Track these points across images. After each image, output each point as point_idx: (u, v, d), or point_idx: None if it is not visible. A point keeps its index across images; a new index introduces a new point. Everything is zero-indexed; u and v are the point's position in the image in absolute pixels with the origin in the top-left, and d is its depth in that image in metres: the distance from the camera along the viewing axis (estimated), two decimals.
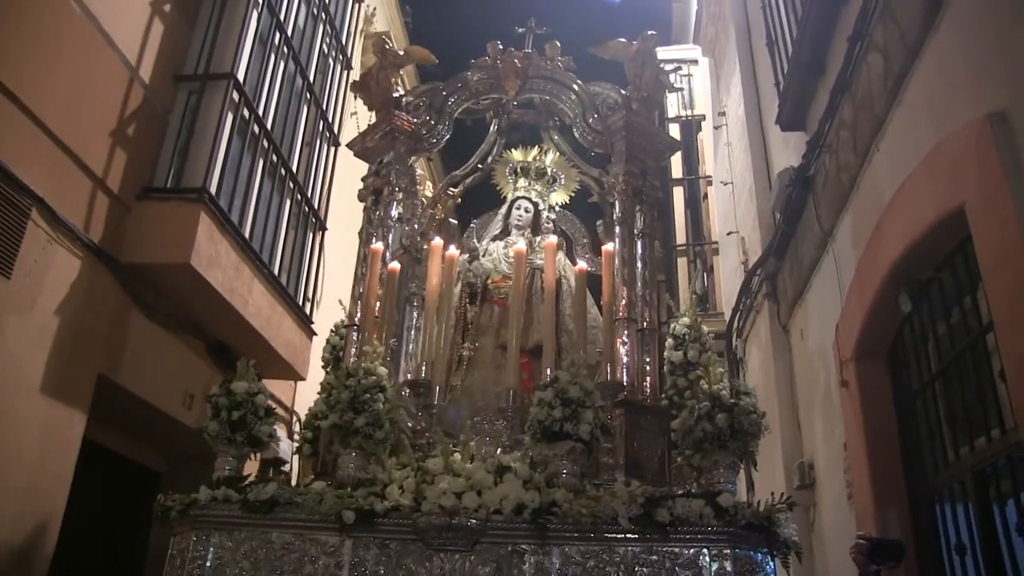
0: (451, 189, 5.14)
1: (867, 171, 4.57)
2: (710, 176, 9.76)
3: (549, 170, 5.25)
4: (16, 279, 4.28)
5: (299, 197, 7.09)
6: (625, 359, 4.11)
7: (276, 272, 6.47)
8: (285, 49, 6.82)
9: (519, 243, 4.61)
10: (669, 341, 4.51)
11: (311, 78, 7.42)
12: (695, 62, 10.48)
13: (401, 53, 4.99)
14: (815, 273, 5.65)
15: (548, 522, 3.25)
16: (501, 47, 4.84)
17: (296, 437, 4.72)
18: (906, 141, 4.01)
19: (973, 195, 3.22)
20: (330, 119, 7.88)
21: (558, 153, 5.18)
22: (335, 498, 3.42)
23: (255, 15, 6.20)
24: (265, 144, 6.35)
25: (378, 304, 4.32)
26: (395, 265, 4.46)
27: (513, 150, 5.26)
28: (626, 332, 4.17)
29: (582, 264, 4.56)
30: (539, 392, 3.57)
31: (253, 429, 3.77)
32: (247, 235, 5.95)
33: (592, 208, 5.01)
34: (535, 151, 5.26)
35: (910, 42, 3.84)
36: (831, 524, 5.31)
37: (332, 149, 7.90)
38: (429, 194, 5.22)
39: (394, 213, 4.65)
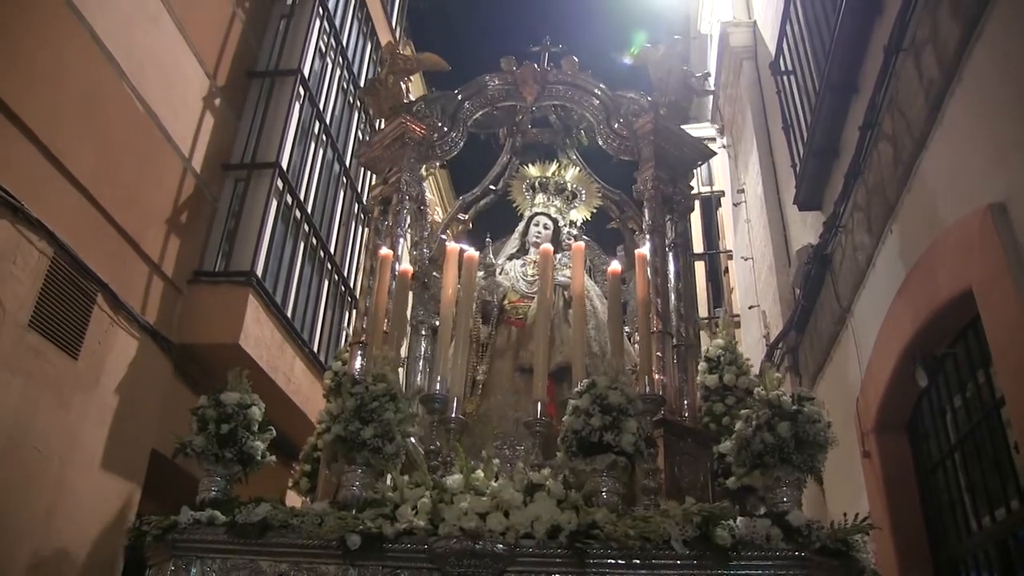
0: (461, 214, 4.89)
1: (882, 251, 4.76)
2: (730, 251, 9.97)
3: (569, 185, 5.01)
4: (82, 360, 4.58)
5: (336, 277, 7.40)
6: (660, 376, 3.72)
7: (315, 350, 6.74)
8: (324, 137, 7.20)
9: (545, 244, 4.24)
10: (702, 365, 4.15)
11: (347, 162, 7.80)
12: (713, 139, 10.78)
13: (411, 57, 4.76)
14: (835, 347, 5.82)
15: (588, 547, 2.81)
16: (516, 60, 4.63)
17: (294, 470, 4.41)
18: (917, 225, 4.22)
19: (979, 279, 3.43)
20: (364, 200, 8.23)
21: (578, 168, 4.97)
22: (337, 520, 2.94)
23: (297, 106, 6.59)
24: (306, 228, 6.69)
25: (386, 320, 3.87)
26: (407, 267, 4.14)
27: (530, 165, 5.06)
28: (661, 347, 3.81)
29: (616, 265, 4.04)
30: (573, 400, 3.14)
31: (244, 444, 3.34)
32: (289, 315, 6.23)
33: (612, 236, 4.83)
34: (554, 166, 5.04)
35: (916, 134, 4.08)
36: None
37: (366, 229, 8.22)
38: (439, 219, 5.01)
39: (404, 224, 4.31)
